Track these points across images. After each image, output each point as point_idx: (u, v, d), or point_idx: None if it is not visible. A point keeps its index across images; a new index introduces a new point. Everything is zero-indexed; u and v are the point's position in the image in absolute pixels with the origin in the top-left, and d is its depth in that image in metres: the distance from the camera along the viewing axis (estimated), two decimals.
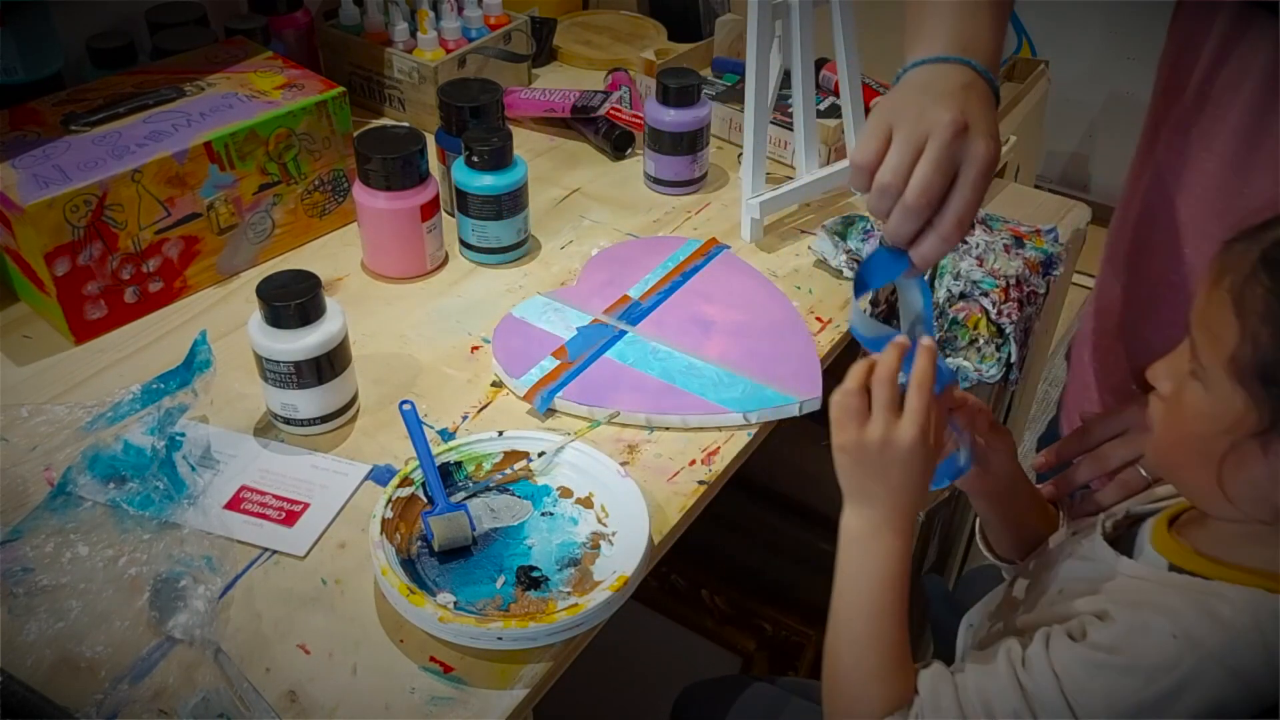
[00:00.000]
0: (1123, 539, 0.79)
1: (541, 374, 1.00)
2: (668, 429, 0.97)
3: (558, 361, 1.01)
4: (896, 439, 0.73)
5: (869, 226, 1.15)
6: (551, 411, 0.98)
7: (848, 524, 0.76)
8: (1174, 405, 0.71)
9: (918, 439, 0.72)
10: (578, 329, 1.06)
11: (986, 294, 1.15)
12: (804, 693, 1.06)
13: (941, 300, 1.15)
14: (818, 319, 1.11)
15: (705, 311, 1.09)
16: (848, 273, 1.16)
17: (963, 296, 1.15)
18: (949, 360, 1.14)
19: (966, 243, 1.17)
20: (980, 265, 1.16)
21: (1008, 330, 1.14)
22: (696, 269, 1.15)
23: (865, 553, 0.75)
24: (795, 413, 0.98)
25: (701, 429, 0.97)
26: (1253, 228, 0.67)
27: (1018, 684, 0.69)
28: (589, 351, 1.03)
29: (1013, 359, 1.13)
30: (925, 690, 0.72)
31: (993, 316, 1.14)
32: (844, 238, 1.16)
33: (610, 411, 0.97)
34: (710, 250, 1.17)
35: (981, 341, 1.14)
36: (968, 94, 0.75)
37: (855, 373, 0.75)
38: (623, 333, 1.06)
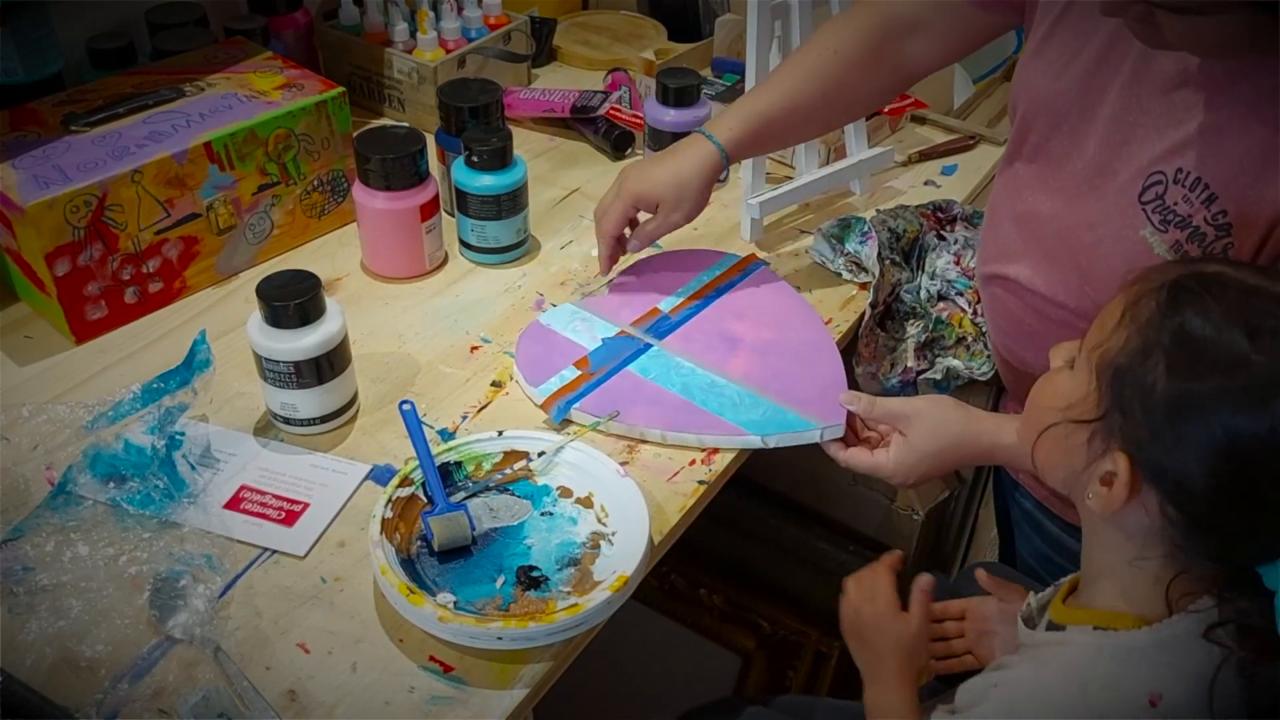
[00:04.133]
0: (1040, 613, 0.82)
1: (561, 383, 0.99)
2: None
3: (579, 372, 1.01)
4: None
5: (866, 228, 1.15)
6: (567, 421, 0.98)
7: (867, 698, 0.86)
8: (1049, 380, 0.76)
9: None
10: (603, 340, 1.05)
11: (962, 294, 1.15)
12: (799, 712, 1.06)
13: (924, 300, 1.15)
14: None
15: (734, 329, 1.07)
16: (846, 275, 1.16)
17: (941, 298, 1.15)
18: (940, 360, 1.14)
19: (945, 238, 1.17)
20: (957, 263, 1.16)
21: (985, 329, 1.14)
22: (731, 285, 1.13)
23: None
24: (816, 439, 0.96)
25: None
26: (1196, 258, 0.72)
27: None
28: (611, 364, 1.02)
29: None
30: None
31: (971, 316, 1.14)
32: (842, 241, 1.16)
33: (610, 412, 0.97)
34: (747, 266, 1.16)
35: (969, 340, 1.14)
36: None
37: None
38: (648, 346, 1.05)
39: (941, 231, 1.18)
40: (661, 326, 1.07)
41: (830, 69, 1.06)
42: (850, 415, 0.96)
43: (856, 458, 0.95)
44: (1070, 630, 0.74)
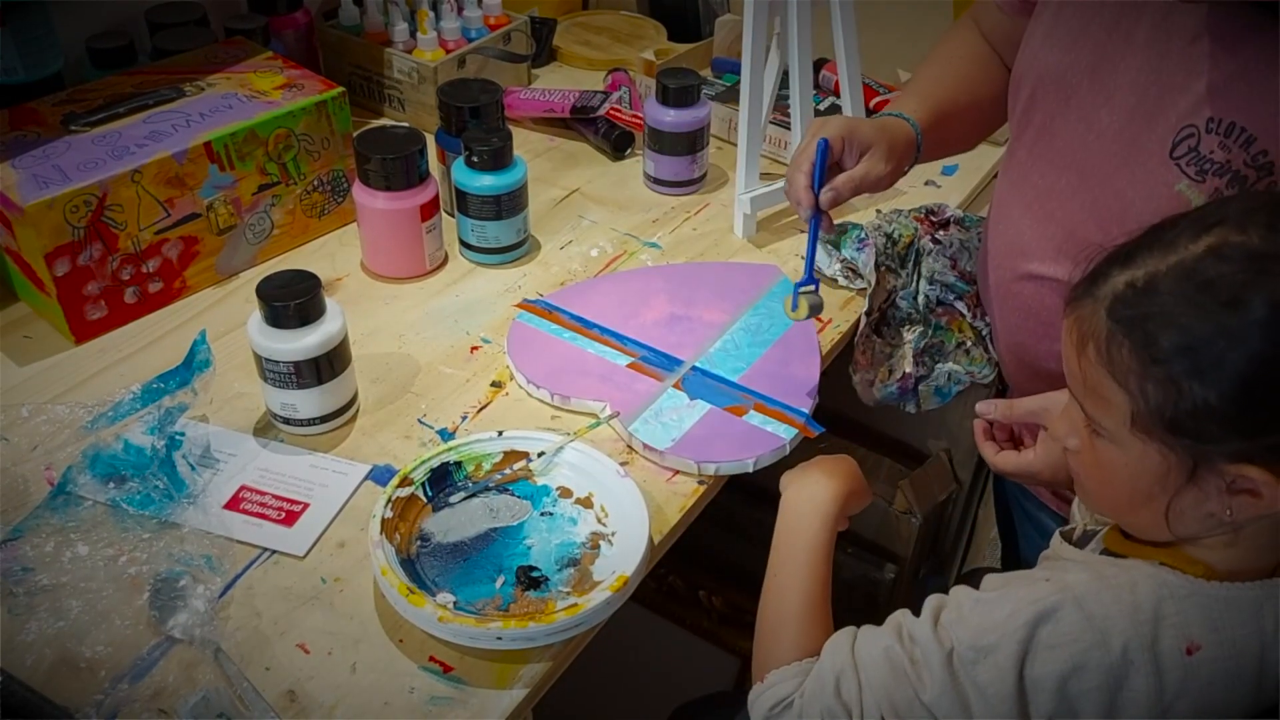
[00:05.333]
0: (1089, 539, 0.81)
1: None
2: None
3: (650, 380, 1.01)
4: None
5: (863, 235, 1.15)
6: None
7: (791, 498, 0.88)
8: (1092, 461, 0.72)
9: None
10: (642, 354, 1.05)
11: (960, 298, 1.15)
12: None
13: (922, 306, 1.15)
14: (817, 319, 1.11)
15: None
16: (843, 281, 1.16)
17: (940, 303, 1.15)
18: (940, 366, 1.14)
19: (939, 242, 1.17)
20: (953, 267, 1.16)
21: (985, 333, 1.14)
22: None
23: (800, 519, 0.87)
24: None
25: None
26: (1083, 284, 0.69)
27: (897, 623, 0.76)
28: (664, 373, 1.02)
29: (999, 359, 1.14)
30: (827, 645, 0.78)
31: (970, 320, 1.14)
32: (838, 247, 1.16)
33: (611, 413, 0.97)
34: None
35: (969, 344, 1.14)
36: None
37: None
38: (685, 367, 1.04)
39: (935, 235, 1.18)
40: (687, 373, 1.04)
41: (974, 72, 1.07)
42: (983, 423, 0.95)
43: (1006, 460, 0.93)
44: (1133, 560, 0.71)
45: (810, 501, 0.87)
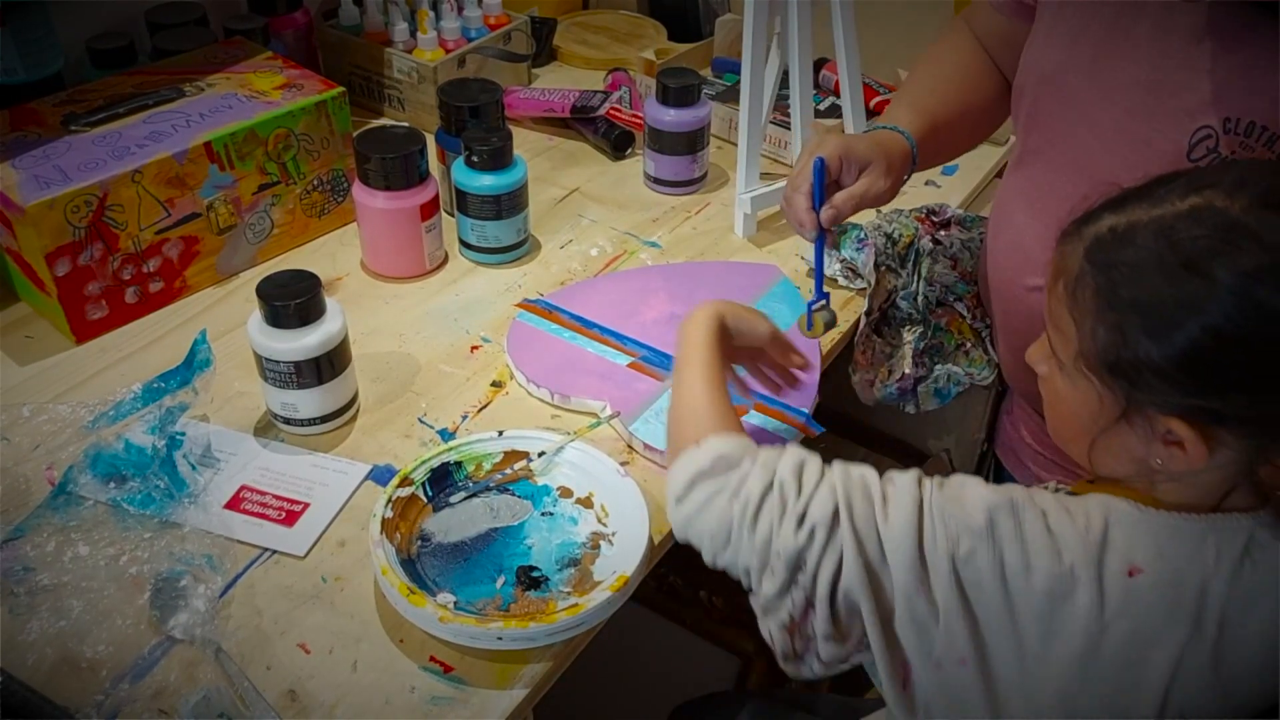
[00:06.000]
0: None
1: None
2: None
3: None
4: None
5: (863, 235, 1.14)
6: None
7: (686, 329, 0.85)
8: (1050, 389, 0.76)
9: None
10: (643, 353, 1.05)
11: (961, 299, 1.15)
12: (801, 705, 1.06)
13: (921, 306, 1.15)
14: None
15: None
16: (843, 281, 1.16)
17: (940, 304, 1.15)
18: (939, 367, 1.14)
19: (940, 242, 1.17)
20: (954, 267, 1.16)
21: (984, 334, 1.14)
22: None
23: (685, 337, 0.84)
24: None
25: None
26: (1076, 221, 0.71)
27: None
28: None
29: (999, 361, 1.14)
30: (790, 447, 0.75)
31: (970, 322, 1.14)
32: (838, 247, 1.16)
33: (611, 413, 0.97)
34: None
35: (969, 345, 1.14)
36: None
37: None
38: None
39: (936, 235, 1.18)
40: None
41: (967, 78, 1.07)
42: None
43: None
44: (1088, 494, 0.73)
45: (692, 319, 0.85)
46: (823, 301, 1.00)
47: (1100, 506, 0.70)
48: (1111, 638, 0.67)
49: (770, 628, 0.73)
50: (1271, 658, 0.68)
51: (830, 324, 1.00)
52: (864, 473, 0.72)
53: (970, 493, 0.70)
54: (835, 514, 0.70)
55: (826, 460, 0.75)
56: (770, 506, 0.71)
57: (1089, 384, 0.69)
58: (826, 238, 0.98)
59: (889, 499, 0.70)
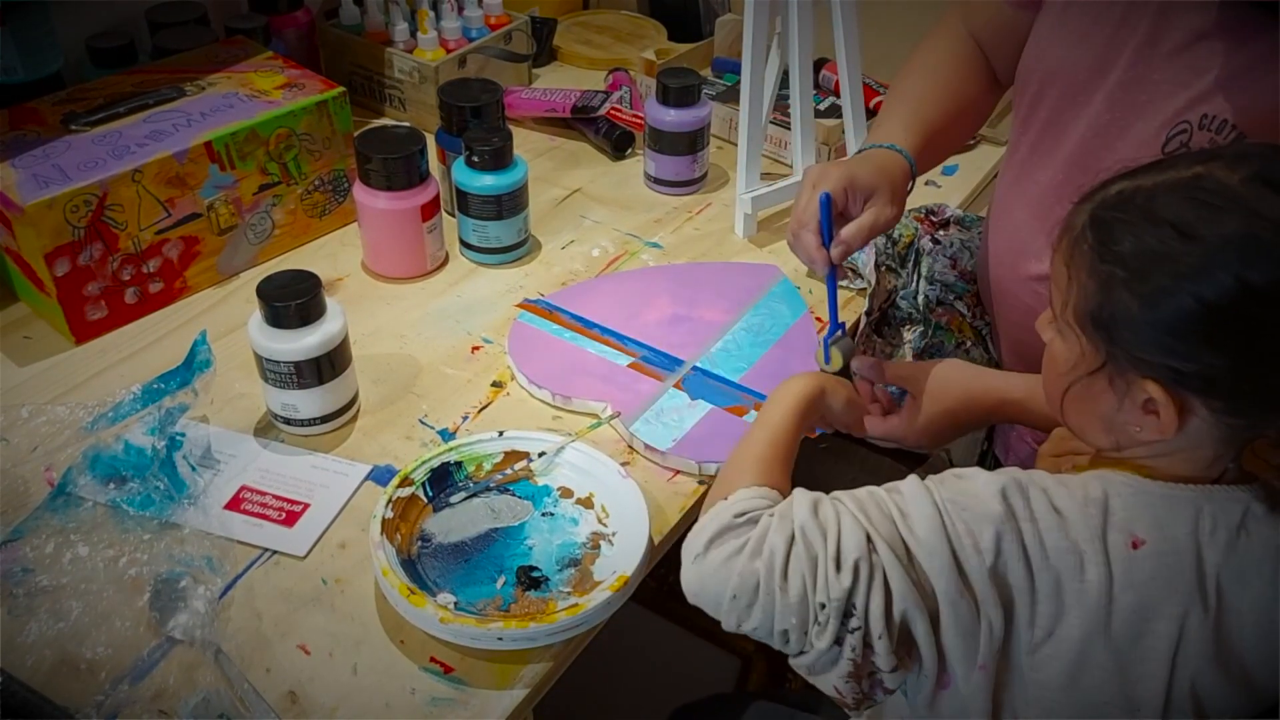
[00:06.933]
0: None
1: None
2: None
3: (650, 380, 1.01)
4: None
5: None
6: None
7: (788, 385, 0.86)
8: (1048, 353, 0.76)
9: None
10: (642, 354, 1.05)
11: (960, 298, 1.15)
12: (803, 706, 1.05)
13: (921, 306, 1.15)
14: (818, 319, 1.11)
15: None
16: (843, 281, 1.16)
17: (940, 303, 1.15)
18: None
19: (940, 242, 1.17)
20: (953, 267, 1.15)
21: (985, 333, 1.14)
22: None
23: (772, 400, 0.85)
24: None
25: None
26: (1094, 188, 0.71)
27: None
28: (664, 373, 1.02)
29: (999, 360, 1.14)
30: (797, 492, 0.74)
31: (970, 320, 1.14)
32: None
33: (612, 413, 0.97)
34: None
35: (969, 344, 1.14)
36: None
37: None
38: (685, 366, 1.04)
39: (935, 235, 1.18)
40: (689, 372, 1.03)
41: (956, 79, 1.07)
42: (865, 384, 0.97)
43: (876, 426, 0.95)
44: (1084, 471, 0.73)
45: (784, 387, 0.86)
46: (839, 333, 0.99)
47: (1098, 480, 0.70)
48: (1118, 611, 0.67)
49: (832, 682, 0.71)
50: (1269, 632, 0.68)
51: (849, 354, 0.98)
52: (870, 491, 0.72)
53: (975, 482, 0.70)
54: (869, 542, 0.68)
55: (830, 463, 0.75)
56: (798, 559, 0.69)
57: (1075, 336, 0.70)
58: (838, 271, 0.97)
59: (906, 512, 0.70)
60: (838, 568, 0.68)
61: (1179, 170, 0.67)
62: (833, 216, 0.95)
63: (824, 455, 0.97)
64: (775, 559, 0.69)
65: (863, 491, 0.72)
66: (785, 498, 0.74)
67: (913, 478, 0.72)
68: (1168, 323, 0.64)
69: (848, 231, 0.95)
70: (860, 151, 1.02)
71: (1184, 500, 0.69)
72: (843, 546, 0.68)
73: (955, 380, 0.93)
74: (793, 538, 0.69)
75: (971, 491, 0.69)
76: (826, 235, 0.95)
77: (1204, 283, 0.63)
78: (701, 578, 0.73)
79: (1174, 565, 0.68)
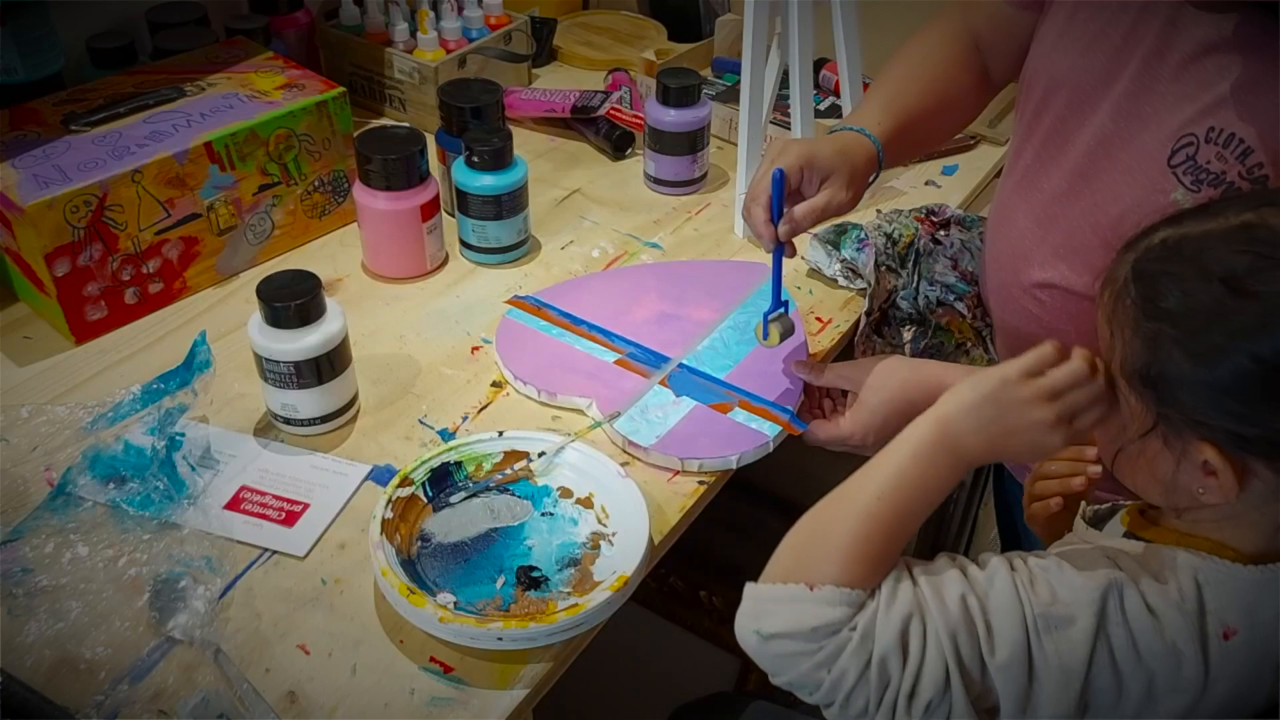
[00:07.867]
0: (1103, 522, 0.81)
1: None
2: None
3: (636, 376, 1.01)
4: (1039, 407, 0.70)
5: (863, 235, 1.14)
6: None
7: (919, 431, 0.73)
8: None
9: (1051, 421, 0.70)
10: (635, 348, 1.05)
11: (961, 298, 1.15)
12: (805, 707, 1.05)
13: (922, 306, 1.15)
14: (818, 319, 1.11)
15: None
16: (843, 281, 1.16)
17: (940, 304, 1.15)
18: None
19: (940, 242, 1.17)
20: (954, 267, 1.15)
21: (984, 334, 1.14)
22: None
23: (913, 456, 0.72)
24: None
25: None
26: (1135, 235, 0.70)
27: (962, 568, 0.69)
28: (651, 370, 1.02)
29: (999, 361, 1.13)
30: (885, 586, 0.69)
31: (970, 321, 1.14)
32: (838, 247, 1.16)
33: (611, 413, 0.97)
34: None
35: (969, 345, 1.14)
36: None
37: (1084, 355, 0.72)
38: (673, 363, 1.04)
39: (936, 235, 1.18)
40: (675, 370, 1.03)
41: (943, 72, 1.06)
42: (812, 392, 0.97)
43: (821, 430, 0.95)
44: (1162, 547, 0.70)
45: (938, 409, 0.73)
46: (780, 311, 0.99)
47: (1188, 569, 0.68)
48: (1210, 701, 0.66)
49: None
50: None
51: (787, 333, 0.99)
52: (963, 596, 0.67)
53: (1067, 584, 0.67)
54: (946, 680, 0.66)
55: (829, 460, 0.73)
56: (868, 684, 0.66)
57: (1122, 396, 0.68)
58: (785, 248, 0.97)
59: (993, 630, 0.66)
60: (910, 701, 0.66)
61: (1227, 217, 0.65)
62: (784, 194, 0.94)
63: (823, 454, 0.97)
64: (844, 681, 0.67)
65: (956, 598, 0.67)
66: (864, 596, 0.68)
67: (1007, 577, 0.68)
68: (1225, 384, 0.62)
69: (799, 210, 0.93)
70: (831, 132, 1.01)
71: (1270, 584, 0.67)
72: (920, 684, 0.66)
73: (895, 374, 0.92)
74: (869, 664, 0.66)
75: (1065, 600, 0.66)
76: (776, 212, 0.94)
77: (1263, 341, 0.61)
78: (759, 654, 0.71)
79: (1264, 651, 0.66)
